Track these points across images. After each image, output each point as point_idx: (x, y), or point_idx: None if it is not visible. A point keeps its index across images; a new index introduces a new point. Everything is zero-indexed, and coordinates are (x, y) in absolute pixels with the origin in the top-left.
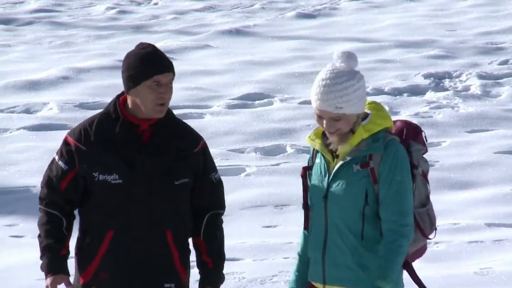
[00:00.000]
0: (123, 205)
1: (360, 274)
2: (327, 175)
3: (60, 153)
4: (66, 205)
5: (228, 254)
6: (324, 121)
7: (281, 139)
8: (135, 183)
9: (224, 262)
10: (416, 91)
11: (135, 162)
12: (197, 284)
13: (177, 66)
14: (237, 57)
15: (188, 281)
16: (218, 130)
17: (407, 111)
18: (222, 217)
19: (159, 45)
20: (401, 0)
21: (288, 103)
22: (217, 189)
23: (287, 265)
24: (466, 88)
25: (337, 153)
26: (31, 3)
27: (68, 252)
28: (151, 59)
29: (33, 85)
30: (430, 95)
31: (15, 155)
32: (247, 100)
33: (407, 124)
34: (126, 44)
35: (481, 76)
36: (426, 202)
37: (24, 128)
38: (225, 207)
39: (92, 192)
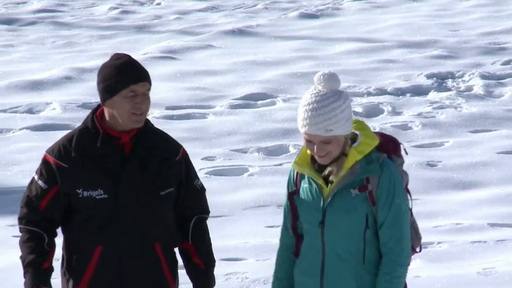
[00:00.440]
0: (110, 220)
1: None
2: (321, 201)
3: (40, 172)
4: (46, 223)
5: (231, 254)
6: (315, 146)
7: (284, 139)
8: (121, 197)
9: (214, 264)
10: (419, 91)
11: (119, 176)
12: None
13: (180, 66)
14: (240, 57)
15: None
16: (221, 130)
17: (410, 111)
18: (224, 217)
19: (162, 45)
20: (404, 0)
21: (291, 103)
22: (202, 195)
23: None
24: (469, 88)
25: (330, 177)
26: (34, 3)
27: (52, 267)
28: (127, 69)
29: (36, 85)
30: (433, 95)
31: (18, 155)
32: (250, 100)
33: (385, 138)
34: (129, 44)
35: (484, 76)
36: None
37: (27, 128)
38: (209, 212)
39: (77, 209)
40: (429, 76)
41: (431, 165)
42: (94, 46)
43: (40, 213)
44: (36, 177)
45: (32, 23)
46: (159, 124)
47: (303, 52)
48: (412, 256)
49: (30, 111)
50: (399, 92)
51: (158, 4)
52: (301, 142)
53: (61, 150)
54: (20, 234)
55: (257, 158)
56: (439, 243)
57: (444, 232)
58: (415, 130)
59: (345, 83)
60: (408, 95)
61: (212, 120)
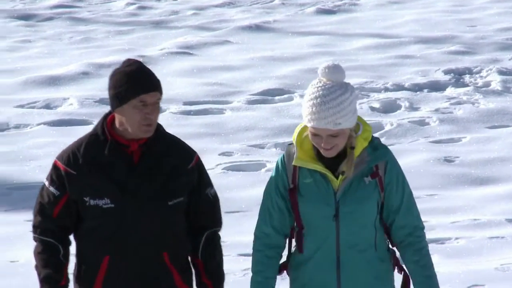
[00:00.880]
0: (116, 229)
1: (376, 287)
2: (332, 194)
3: (50, 178)
4: (61, 232)
5: (248, 249)
6: (322, 139)
7: None
8: (128, 207)
9: (223, 283)
10: (436, 87)
11: (126, 185)
12: None
13: (197, 62)
14: (257, 52)
15: None
16: (239, 125)
17: (427, 107)
18: (242, 213)
19: (179, 40)
20: None
21: None
22: (214, 205)
23: None
24: (487, 84)
25: (339, 169)
26: None
27: (68, 281)
28: (137, 78)
29: (53, 81)
30: (450, 91)
31: (35, 151)
32: (267, 96)
33: None
34: (146, 39)
35: (501, 72)
36: None
37: (44, 123)
38: (222, 223)
39: (84, 217)
40: (446, 72)
41: (448, 160)
42: (111, 41)
43: (54, 220)
44: (47, 184)
45: (50, 18)
46: (177, 120)
47: (320, 47)
48: (430, 252)
49: (47, 106)
50: (417, 88)
51: None
52: None
53: (70, 157)
54: (34, 243)
55: (275, 154)
56: (456, 238)
57: (462, 227)
58: (433, 126)
59: (363, 79)
60: (425, 90)
61: (229, 116)
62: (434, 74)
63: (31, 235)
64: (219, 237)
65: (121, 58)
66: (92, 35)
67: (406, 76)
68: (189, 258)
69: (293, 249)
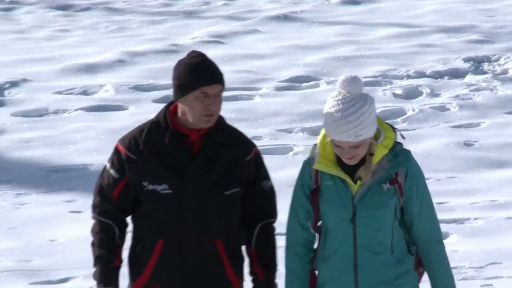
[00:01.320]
0: (172, 215)
1: (397, 286)
2: (350, 198)
3: (111, 161)
4: (119, 214)
5: (278, 229)
6: (344, 149)
7: None
8: (185, 194)
9: (275, 273)
10: (456, 74)
11: (185, 173)
12: None
13: (227, 50)
14: (284, 41)
15: None
16: (267, 111)
17: (447, 93)
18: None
19: (210, 30)
20: None
21: (334, 86)
22: (270, 198)
23: None
24: (504, 72)
25: (357, 174)
26: None
27: (121, 261)
28: (200, 70)
29: (90, 68)
30: (469, 78)
31: (73, 135)
32: (295, 83)
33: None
34: (179, 29)
35: None
36: None
37: (81, 109)
38: (277, 215)
39: (142, 201)
40: (466, 60)
41: (468, 144)
42: (145, 31)
43: (112, 202)
44: (108, 166)
45: (87, 9)
46: None
47: (345, 36)
48: (450, 232)
49: (84, 92)
50: (437, 75)
51: None
52: None
53: (131, 142)
54: (92, 221)
55: (302, 138)
56: (475, 219)
57: (480, 208)
58: (453, 111)
59: (386, 66)
60: (446, 77)
61: (258, 102)
62: (454, 62)
63: (69, 215)
64: (273, 229)
65: (154, 46)
66: (127, 25)
67: (428, 64)
68: (243, 248)
69: (318, 245)
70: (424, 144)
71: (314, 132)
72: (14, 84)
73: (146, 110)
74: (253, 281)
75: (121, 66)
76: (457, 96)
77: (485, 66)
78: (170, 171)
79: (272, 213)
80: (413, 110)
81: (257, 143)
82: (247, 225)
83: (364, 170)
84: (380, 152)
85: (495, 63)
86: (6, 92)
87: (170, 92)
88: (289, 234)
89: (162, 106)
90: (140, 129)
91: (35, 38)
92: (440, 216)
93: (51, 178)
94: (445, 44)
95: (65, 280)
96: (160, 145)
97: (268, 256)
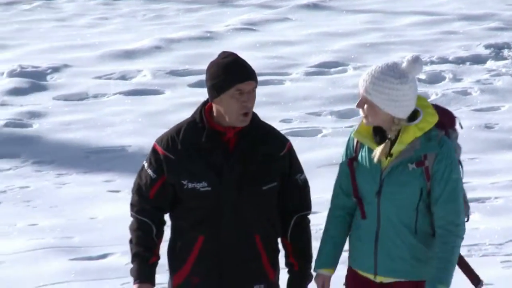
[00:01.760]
0: (212, 211)
1: (414, 266)
2: (378, 172)
3: (149, 161)
4: (156, 212)
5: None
6: (361, 100)
7: (354, 103)
8: (224, 190)
9: (310, 264)
10: (477, 60)
11: (223, 170)
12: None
13: (260, 37)
14: (314, 28)
15: (278, 280)
16: (297, 95)
17: (469, 78)
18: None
19: (243, 17)
20: None
21: (361, 71)
22: (303, 190)
23: None
24: None
25: (390, 151)
26: None
27: (158, 258)
28: (232, 68)
29: (128, 54)
30: (490, 64)
31: (112, 118)
32: (324, 68)
33: (442, 112)
34: (213, 17)
35: None
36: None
37: (120, 93)
38: (311, 207)
39: (182, 200)
40: (487, 46)
41: (488, 127)
42: (181, 18)
43: (150, 201)
44: (146, 165)
45: None
46: None
47: (372, 24)
48: (471, 210)
49: (123, 77)
50: (460, 61)
51: None
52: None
53: (169, 141)
54: (131, 219)
55: (330, 121)
56: (496, 198)
57: (500, 188)
58: (474, 96)
59: (410, 53)
60: (467, 63)
61: (288, 86)
62: (476, 49)
63: (108, 194)
64: (308, 221)
65: (190, 33)
66: (164, 13)
67: (450, 50)
68: (279, 240)
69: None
70: None
71: (341, 115)
72: (55, 69)
73: (182, 94)
74: (289, 272)
75: (158, 52)
76: (478, 81)
77: (505, 52)
78: (208, 168)
79: (306, 205)
80: (436, 94)
81: (287, 126)
82: (283, 217)
83: (394, 148)
84: (414, 133)
85: None
86: (48, 77)
87: (204, 77)
88: (332, 197)
89: (196, 90)
90: (177, 129)
91: (76, 26)
92: None
93: (90, 159)
94: (467, 31)
95: (104, 256)
96: (197, 144)
97: (303, 248)
